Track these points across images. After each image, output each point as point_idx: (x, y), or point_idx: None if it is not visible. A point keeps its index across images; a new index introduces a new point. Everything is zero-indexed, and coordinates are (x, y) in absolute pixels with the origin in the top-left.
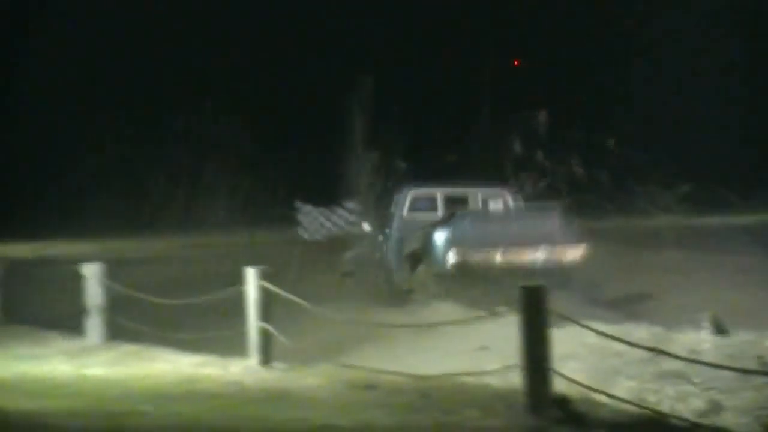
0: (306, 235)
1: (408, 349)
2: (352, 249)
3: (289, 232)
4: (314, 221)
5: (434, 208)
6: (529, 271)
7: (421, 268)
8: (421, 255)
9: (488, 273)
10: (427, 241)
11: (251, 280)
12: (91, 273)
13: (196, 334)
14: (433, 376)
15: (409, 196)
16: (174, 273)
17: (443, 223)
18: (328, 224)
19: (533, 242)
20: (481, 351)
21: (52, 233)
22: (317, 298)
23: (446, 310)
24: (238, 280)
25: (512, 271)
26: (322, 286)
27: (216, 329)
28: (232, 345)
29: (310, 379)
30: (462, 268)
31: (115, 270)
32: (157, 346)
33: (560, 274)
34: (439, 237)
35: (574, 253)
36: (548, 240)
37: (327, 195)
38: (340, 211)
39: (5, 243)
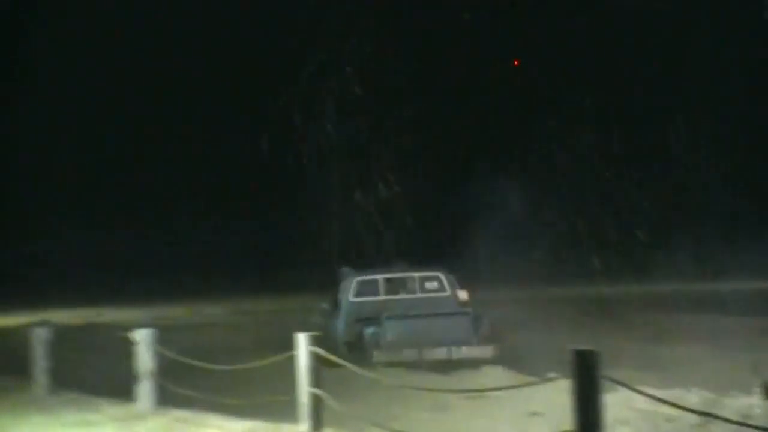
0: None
1: (459, 415)
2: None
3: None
4: None
5: (377, 293)
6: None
7: (355, 356)
8: (355, 345)
9: (407, 365)
10: (357, 336)
11: (301, 345)
12: (142, 338)
13: (246, 400)
14: None
15: (354, 282)
16: (221, 339)
17: (372, 322)
18: None
19: (445, 343)
20: (532, 417)
21: (101, 300)
22: (371, 366)
23: (497, 375)
24: (288, 346)
25: (428, 363)
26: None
27: (266, 395)
28: (282, 411)
29: None
30: (385, 363)
31: (164, 336)
32: (208, 412)
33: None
34: (368, 334)
35: (483, 352)
36: (459, 341)
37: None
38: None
39: (55, 310)
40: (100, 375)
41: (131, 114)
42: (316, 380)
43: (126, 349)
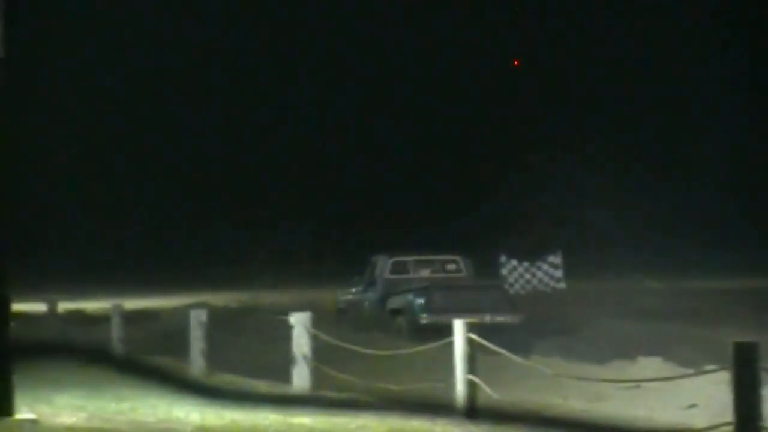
0: (510, 291)
1: (616, 406)
2: (345, 292)
3: None
4: (519, 277)
5: (407, 272)
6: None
7: (400, 320)
8: (401, 311)
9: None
10: (407, 302)
11: (459, 331)
12: (298, 322)
13: (402, 385)
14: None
15: (389, 262)
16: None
17: (420, 290)
18: (534, 281)
19: (481, 310)
20: (689, 409)
21: (254, 284)
22: (521, 350)
23: (654, 366)
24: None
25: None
26: (524, 339)
27: (423, 381)
28: (439, 397)
29: None
30: (432, 325)
31: (320, 320)
32: (364, 396)
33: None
34: (418, 301)
35: (512, 319)
36: (491, 309)
37: (532, 249)
38: (545, 266)
39: (214, 292)
40: (256, 357)
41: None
42: (473, 366)
43: (282, 331)
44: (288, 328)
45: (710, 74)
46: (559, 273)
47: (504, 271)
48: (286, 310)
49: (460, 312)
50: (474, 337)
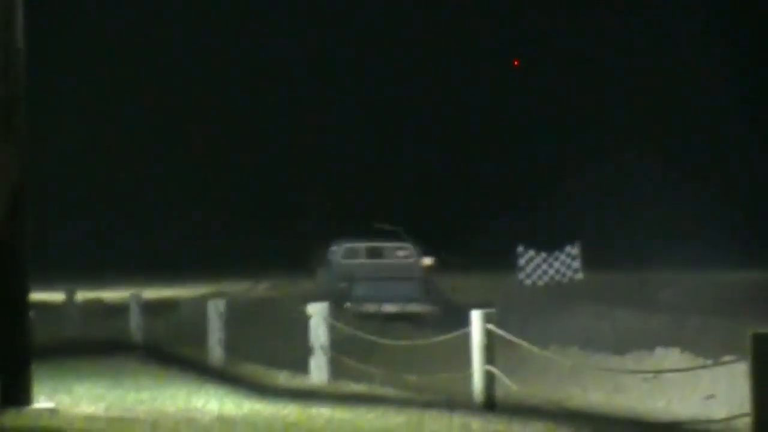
0: (528, 281)
1: (635, 396)
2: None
3: (507, 277)
4: (536, 267)
5: (358, 257)
6: (396, 315)
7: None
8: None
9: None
10: (340, 290)
11: (476, 323)
12: (316, 312)
13: (421, 375)
14: (661, 424)
15: (343, 247)
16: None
17: (347, 279)
18: (551, 271)
19: (399, 300)
20: (708, 399)
21: (277, 272)
22: (539, 342)
23: (672, 357)
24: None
25: (385, 315)
26: (542, 331)
27: (441, 371)
28: (457, 387)
29: (534, 425)
30: (356, 313)
31: (335, 311)
32: (382, 386)
33: (413, 318)
34: (344, 289)
35: (426, 308)
36: (409, 299)
37: (550, 239)
38: (563, 257)
39: (230, 280)
40: (274, 348)
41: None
42: (491, 357)
43: (301, 322)
44: (306, 319)
45: (718, 71)
46: (576, 263)
47: (521, 262)
48: (306, 300)
49: (379, 301)
50: (492, 327)
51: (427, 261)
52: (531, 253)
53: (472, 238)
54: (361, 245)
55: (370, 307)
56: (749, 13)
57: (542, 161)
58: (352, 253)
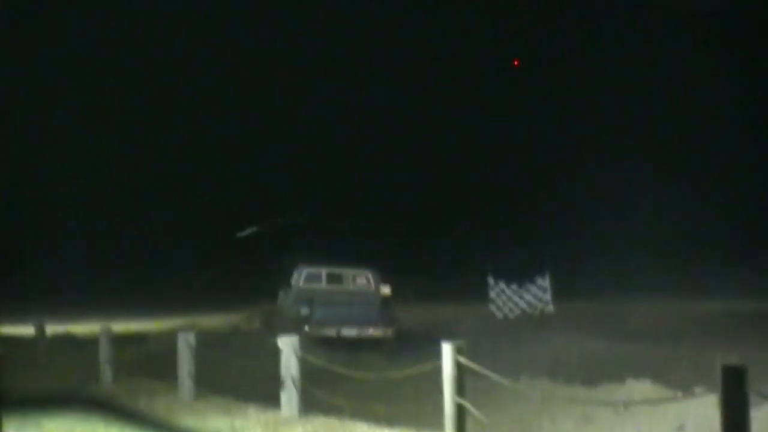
0: (498, 314)
1: (605, 428)
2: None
3: (479, 309)
4: (507, 300)
5: (319, 282)
6: (355, 340)
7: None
8: (297, 321)
9: (329, 341)
10: (299, 314)
11: (447, 354)
12: (287, 345)
13: (390, 407)
14: None
15: (304, 272)
16: (368, 348)
17: (308, 303)
18: (522, 303)
19: (357, 323)
20: (678, 431)
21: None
22: (509, 373)
23: (643, 388)
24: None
25: (344, 340)
26: (513, 362)
27: (410, 403)
28: (426, 419)
29: None
30: (315, 337)
31: (306, 343)
32: (352, 420)
33: (376, 344)
34: (303, 313)
35: (385, 332)
36: (366, 322)
37: (519, 270)
38: (533, 289)
39: (201, 312)
40: (245, 380)
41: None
42: (461, 389)
43: (271, 355)
44: (277, 350)
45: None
46: (547, 296)
47: (492, 294)
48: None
49: (338, 324)
50: (462, 360)
51: (386, 290)
52: (501, 285)
53: (443, 267)
54: (322, 270)
55: (330, 331)
56: (751, 14)
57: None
58: (312, 278)
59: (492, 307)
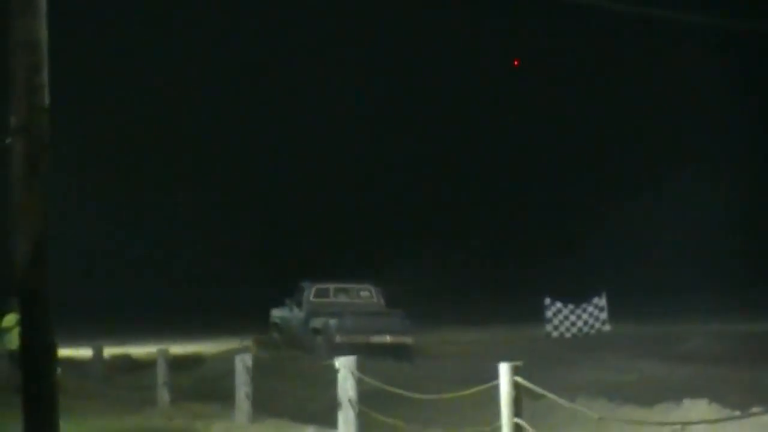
0: (555, 333)
1: None
2: (279, 310)
3: (534, 329)
4: (564, 319)
5: (328, 296)
6: (381, 347)
7: (319, 339)
8: (320, 331)
9: (358, 348)
10: (325, 323)
11: (504, 375)
12: (344, 366)
13: (447, 428)
14: None
15: (313, 288)
16: (426, 368)
17: (333, 314)
18: (579, 322)
19: (382, 332)
20: None
21: None
22: (566, 394)
23: (700, 408)
24: (490, 376)
25: (372, 347)
26: (570, 383)
27: (468, 424)
28: None
29: None
30: (344, 344)
31: (369, 364)
32: None
33: (399, 350)
34: (333, 323)
35: (408, 340)
36: (390, 331)
37: (574, 290)
38: (590, 309)
39: (255, 332)
40: (302, 402)
41: None
42: (518, 410)
43: (329, 375)
44: (334, 372)
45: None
46: (604, 315)
47: (549, 314)
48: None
49: (366, 333)
50: (519, 380)
51: (383, 303)
52: (558, 305)
53: (497, 288)
54: (330, 285)
55: (360, 338)
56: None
57: (563, 204)
58: (323, 293)
59: (548, 327)
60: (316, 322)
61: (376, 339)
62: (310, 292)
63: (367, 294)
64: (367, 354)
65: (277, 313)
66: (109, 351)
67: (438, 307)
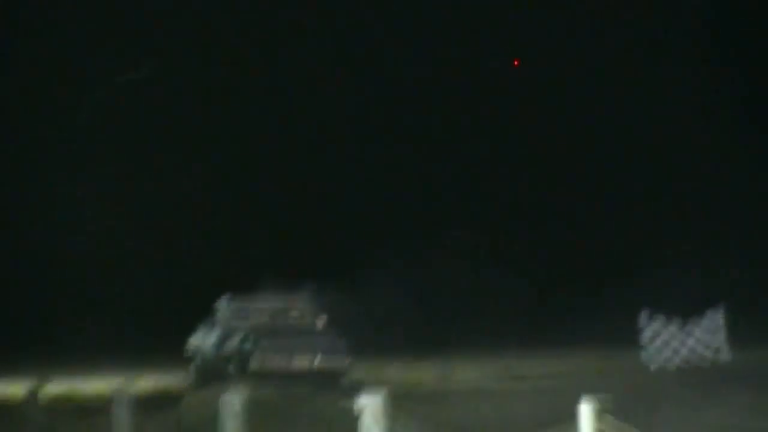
0: (654, 364)
1: None
2: (195, 338)
3: (627, 357)
4: (666, 344)
5: (247, 317)
6: (308, 373)
7: (231, 367)
8: (232, 358)
9: (277, 376)
10: (237, 348)
11: (585, 417)
12: (370, 408)
13: None
14: None
15: (229, 307)
16: (486, 412)
17: (248, 337)
18: (684, 350)
19: (303, 353)
20: None
21: None
22: None
23: None
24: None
25: (294, 375)
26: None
27: None
28: None
29: None
30: (259, 370)
31: (403, 405)
32: None
33: (328, 378)
34: (245, 346)
35: (340, 362)
36: (320, 353)
37: (682, 306)
38: (697, 330)
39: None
40: None
41: None
42: None
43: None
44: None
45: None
46: (720, 338)
47: (646, 336)
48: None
49: (286, 358)
50: (606, 425)
51: (321, 320)
52: (658, 324)
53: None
54: (250, 304)
55: (280, 362)
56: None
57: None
58: (241, 313)
59: (645, 355)
60: (228, 347)
61: (299, 364)
62: (227, 312)
63: (296, 312)
64: (289, 383)
65: (193, 342)
66: (50, 389)
67: (503, 329)
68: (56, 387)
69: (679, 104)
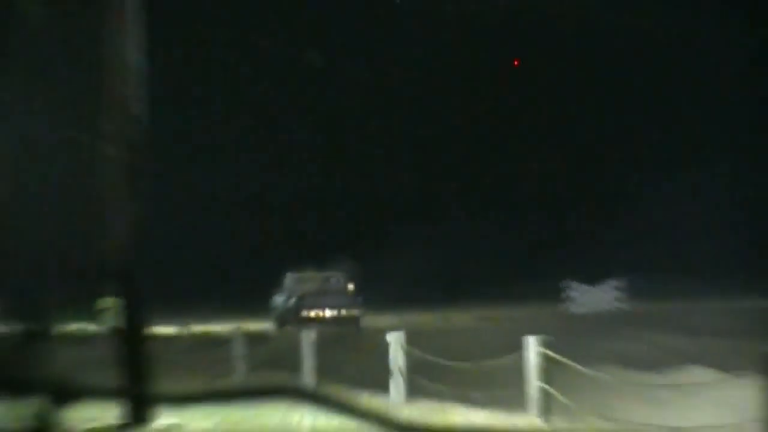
0: (574, 309)
1: (673, 408)
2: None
3: (555, 307)
4: (586, 297)
5: (303, 284)
6: (335, 319)
7: (292, 314)
8: (292, 308)
9: (319, 320)
10: (294, 302)
11: (531, 346)
12: (394, 340)
13: (485, 394)
14: (684, 428)
15: (293, 276)
16: (464, 341)
17: (301, 295)
18: (598, 301)
19: (337, 306)
20: (732, 408)
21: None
22: (587, 364)
23: (700, 373)
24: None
25: (326, 320)
26: (590, 354)
27: (502, 390)
28: (517, 403)
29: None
30: (305, 318)
31: (414, 339)
32: (452, 403)
33: (349, 321)
34: (296, 301)
35: (357, 312)
36: (342, 306)
37: (594, 273)
38: (609, 288)
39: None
40: (359, 371)
41: None
42: (545, 376)
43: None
44: (386, 345)
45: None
46: (622, 294)
47: (572, 293)
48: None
49: (323, 308)
50: (545, 350)
51: (351, 286)
52: (579, 285)
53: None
54: (306, 274)
55: (317, 312)
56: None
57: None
58: (301, 279)
59: (571, 306)
60: (290, 303)
61: (330, 313)
62: (289, 280)
63: (334, 279)
64: (324, 325)
65: (273, 301)
66: (194, 328)
67: (468, 287)
68: (196, 328)
69: None
